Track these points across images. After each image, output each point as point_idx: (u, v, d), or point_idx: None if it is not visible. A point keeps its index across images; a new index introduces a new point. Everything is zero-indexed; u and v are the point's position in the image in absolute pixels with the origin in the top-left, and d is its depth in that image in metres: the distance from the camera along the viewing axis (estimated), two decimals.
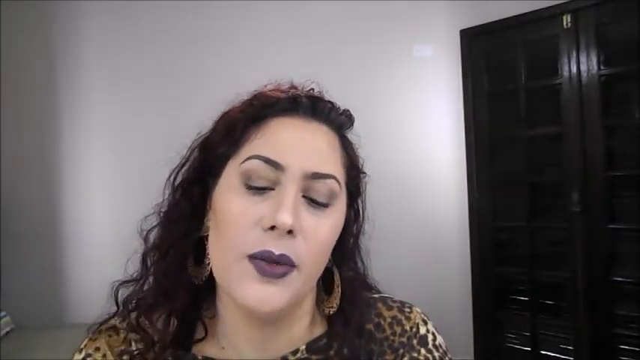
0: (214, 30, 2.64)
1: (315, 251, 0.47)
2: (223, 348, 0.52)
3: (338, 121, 0.53)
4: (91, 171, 2.49)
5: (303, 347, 0.52)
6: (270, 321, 0.50)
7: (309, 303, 0.53)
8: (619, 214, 2.07)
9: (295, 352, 0.52)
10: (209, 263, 0.50)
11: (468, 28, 2.41)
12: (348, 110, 0.55)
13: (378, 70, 2.61)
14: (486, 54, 2.41)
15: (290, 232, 0.45)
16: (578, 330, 2.15)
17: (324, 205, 0.47)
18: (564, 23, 2.15)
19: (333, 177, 0.48)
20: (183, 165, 0.55)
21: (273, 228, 0.44)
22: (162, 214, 0.55)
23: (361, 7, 2.60)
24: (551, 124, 2.24)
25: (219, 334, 0.53)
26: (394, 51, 2.60)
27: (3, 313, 2.12)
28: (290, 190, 0.46)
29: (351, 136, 0.55)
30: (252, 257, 0.45)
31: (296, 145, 0.49)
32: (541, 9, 2.19)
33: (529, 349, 2.28)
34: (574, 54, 2.13)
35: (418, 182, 2.54)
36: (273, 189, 0.47)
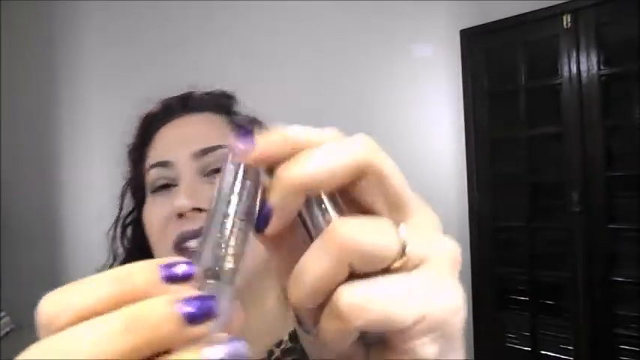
0: (212, 26, 2.64)
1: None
2: None
3: (214, 104, 0.58)
4: (90, 170, 2.49)
5: (286, 337, 0.52)
6: None
7: (272, 287, 0.54)
8: (619, 214, 2.07)
9: (279, 343, 0.52)
10: None
11: (468, 28, 2.41)
12: (223, 92, 0.61)
13: (377, 70, 2.61)
14: (486, 54, 2.41)
15: (199, 210, 0.48)
16: (578, 330, 2.15)
17: None
18: (564, 23, 2.15)
19: (224, 146, 0.51)
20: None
21: (181, 216, 0.48)
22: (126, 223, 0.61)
23: (361, 6, 2.60)
24: (551, 124, 2.24)
25: None
26: (394, 51, 2.60)
27: (3, 313, 2.13)
28: (184, 177, 0.50)
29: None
30: (176, 246, 0.48)
31: (175, 139, 0.54)
32: (541, 9, 2.19)
33: (529, 349, 2.28)
34: (574, 54, 2.13)
35: (417, 182, 2.51)
36: (176, 185, 0.51)
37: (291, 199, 0.21)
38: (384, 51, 2.61)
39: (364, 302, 0.20)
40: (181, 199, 0.48)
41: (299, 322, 0.24)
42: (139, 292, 0.18)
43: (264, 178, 0.23)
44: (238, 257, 0.21)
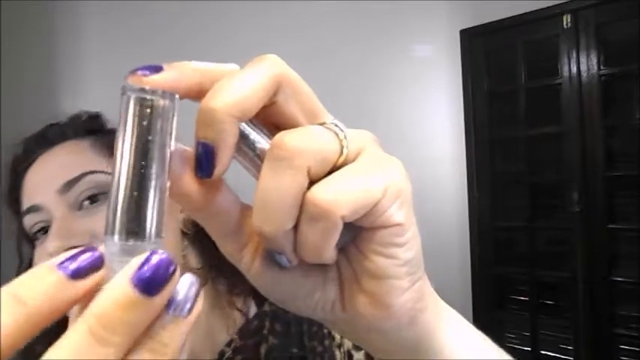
0: (214, 27, 2.64)
1: None
2: None
3: (74, 130, 0.56)
4: None
5: (236, 336, 0.53)
6: None
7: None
8: (619, 214, 2.07)
9: (229, 343, 0.53)
10: None
11: (468, 28, 2.41)
12: (87, 114, 0.59)
13: (377, 70, 2.61)
14: (486, 54, 2.41)
15: (75, 247, 0.48)
16: (578, 330, 2.15)
17: (94, 200, 0.49)
18: (564, 23, 2.15)
19: (89, 172, 0.50)
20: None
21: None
22: None
23: (360, 6, 2.60)
24: (551, 124, 2.24)
25: None
26: (394, 51, 2.60)
27: None
28: (55, 216, 0.48)
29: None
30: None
31: (39, 179, 0.52)
32: (541, 9, 2.19)
33: (529, 349, 2.28)
34: (574, 54, 2.14)
35: (417, 182, 2.53)
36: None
37: (230, 129, 0.20)
38: (384, 51, 2.61)
39: (340, 192, 0.20)
40: (52, 242, 0.46)
41: (273, 258, 0.23)
42: (45, 307, 0.17)
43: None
44: (162, 211, 0.20)
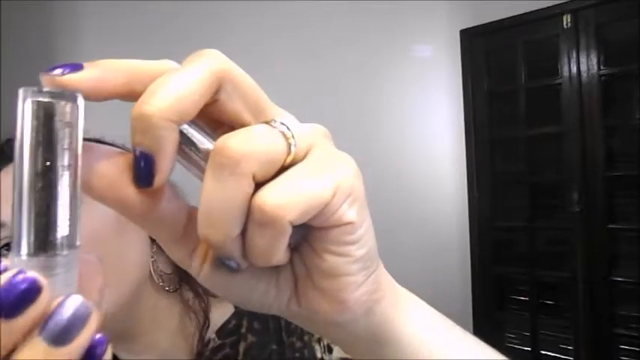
0: (212, 27, 2.64)
1: (102, 241, 0.46)
2: None
3: None
4: None
5: (214, 335, 0.53)
6: (126, 329, 0.50)
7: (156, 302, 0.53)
8: (619, 214, 2.07)
9: (207, 343, 0.53)
10: None
11: (468, 28, 2.41)
12: None
13: (377, 70, 2.61)
14: (486, 54, 2.41)
15: None
16: (578, 330, 2.15)
17: None
18: (564, 23, 2.15)
19: None
20: None
21: None
22: None
23: (360, 6, 2.60)
24: (551, 124, 2.24)
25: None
26: (394, 51, 2.60)
27: None
28: None
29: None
30: None
31: (2, 195, 0.49)
32: (541, 9, 2.19)
33: (529, 349, 2.28)
34: (574, 54, 2.13)
35: (418, 182, 2.54)
36: None
37: (168, 135, 0.19)
38: (384, 51, 2.61)
39: (287, 195, 0.20)
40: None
41: (222, 263, 0.22)
42: None
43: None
44: (74, 219, 0.18)
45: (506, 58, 2.37)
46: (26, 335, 0.17)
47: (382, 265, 0.26)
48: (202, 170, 0.21)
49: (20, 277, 0.16)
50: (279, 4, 2.64)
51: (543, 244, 2.31)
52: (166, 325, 0.53)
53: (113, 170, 0.20)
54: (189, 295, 0.55)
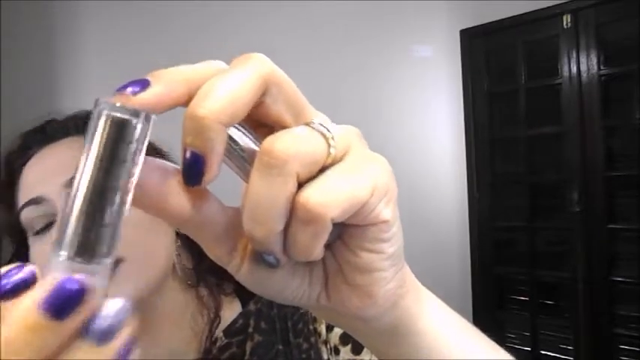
0: (214, 27, 2.64)
1: (128, 238, 0.46)
2: None
3: (74, 127, 0.55)
4: None
5: (221, 334, 0.54)
6: (141, 321, 0.51)
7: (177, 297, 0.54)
8: (619, 214, 2.07)
9: (215, 341, 0.53)
10: None
11: (468, 28, 2.41)
12: (83, 111, 0.57)
13: (377, 71, 2.61)
14: (486, 54, 2.41)
15: None
16: (578, 330, 2.15)
17: None
18: (564, 23, 2.15)
19: None
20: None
21: None
22: None
23: (360, 6, 2.60)
24: (551, 124, 2.24)
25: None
26: (394, 51, 2.60)
27: None
28: (60, 212, 0.47)
29: None
30: None
31: (41, 172, 0.50)
32: (541, 9, 2.19)
33: (529, 349, 2.28)
34: (574, 54, 2.14)
35: (418, 182, 2.54)
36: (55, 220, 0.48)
37: (218, 136, 0.20)
38: (384, 51, 2.61)
39: (329, 194, 0.21)
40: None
41: (261, 259, 0.23)
42: None
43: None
44: (116, 233, 0.19)
45: (506, 58, 2.37)
46: (72, 338, 0.17)
47: (406, 264, 0.27)
48: (245, 170, 0.22)
49: (69, 279, 0.17)
50: (280, 4, 2.64)
51: (543, 244, 2.31)
52: (180, 320, 0.54)
53: (158, 178, 0.21)
54: (204, 292, 0.56)
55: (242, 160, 0.22)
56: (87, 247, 0.18)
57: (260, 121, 0.23)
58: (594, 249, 2.11)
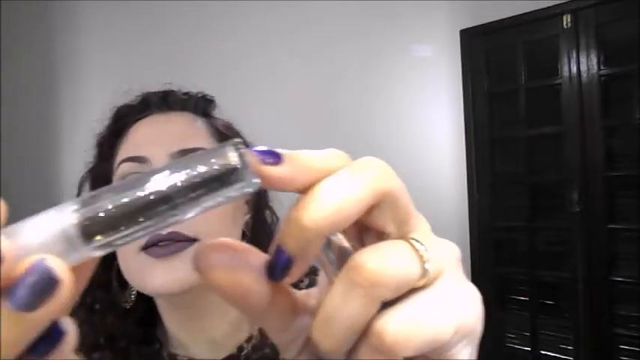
0: (213, 26, 2.64)
1: (208, 219, 0.48)
2: (176, 355, 0.53)
3: (194, 105, 0.57)
4: None
5: (256, 333, 0.54)
6: (194, 305, 0.51)
7: None
8: (619, 214, 2.07)
9: (249, 339, 0.53)
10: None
11: (468, 28, 2.41)
12: (203, 94, 0.59)
13: (377, 70, 2.61)
14: (486, 54, 2.41)
15: None
16: (578, 330, 2.15)
17: None
18: (564, 23, 2.15)
19: (202, 149, 0.52)
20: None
21: None
22: None
23: (360, 6, 2.60)
24: (551, 124, 2.24)
25: (170, 340, 0.55)
26: (394, 51, 2.60)
27: None
28: None
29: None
30: (145, 248, 0.46)
31: (152, 135, 0.52)
32: (541, 9, 2.19)
33: (529, 349, 2.28)
34: (574, 54, 2.13)
35: (417, 182, 2.54)
36: None
37: (314, 245, 0.19)
38: (384, 51, 2.61)
39: (409, 329, 0.19)
40: None
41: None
42: None
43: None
44: (128, 242, 0.18)
45: (506, 58, 2.37)
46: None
47: None
48: (330, 272, 0.21)
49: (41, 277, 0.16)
50: (280, 4, 2.64)
51: (543, 244, 2.31)
52: (225, 313, 0.54)
53: (245, 262, 0.20)
54: None
55: (329, 263, 0.21)
56: (102, 233, 0.17)
57: (360, 222, 0.21)
58: (594, 249, 2.11)
